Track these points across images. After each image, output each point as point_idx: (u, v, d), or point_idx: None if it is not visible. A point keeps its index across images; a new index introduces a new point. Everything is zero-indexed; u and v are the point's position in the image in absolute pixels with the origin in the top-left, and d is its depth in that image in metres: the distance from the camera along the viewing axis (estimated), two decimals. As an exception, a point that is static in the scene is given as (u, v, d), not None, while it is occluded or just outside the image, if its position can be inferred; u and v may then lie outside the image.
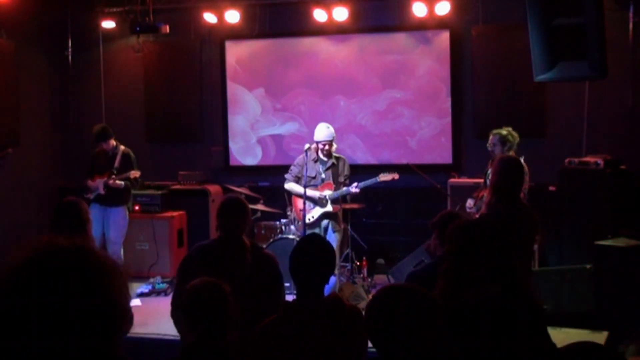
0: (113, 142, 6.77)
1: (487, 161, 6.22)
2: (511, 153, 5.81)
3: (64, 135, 8.34)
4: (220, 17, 7.75)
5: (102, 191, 6.63)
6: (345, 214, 6.71)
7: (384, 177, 5.96)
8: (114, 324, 1.24)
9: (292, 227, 6.85)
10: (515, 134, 5.88)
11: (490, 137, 5.98)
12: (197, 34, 8.16)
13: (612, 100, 7.01)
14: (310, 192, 6.04)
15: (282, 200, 7.12)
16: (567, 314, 5.08)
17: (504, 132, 5.87)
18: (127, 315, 1.27)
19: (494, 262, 2.40)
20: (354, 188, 5.94)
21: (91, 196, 6.66)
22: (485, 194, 5.91)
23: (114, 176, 6.64)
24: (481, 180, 6.00)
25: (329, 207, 6.05)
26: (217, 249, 3.54)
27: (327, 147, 6.04)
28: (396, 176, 5.99)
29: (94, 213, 6.52)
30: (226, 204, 3.63)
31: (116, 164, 6.68)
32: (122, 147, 6.81)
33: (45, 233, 5.97)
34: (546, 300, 5.14)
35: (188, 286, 2.60)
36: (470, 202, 6.09)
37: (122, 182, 6.62)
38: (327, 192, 6.07)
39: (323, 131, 6.05)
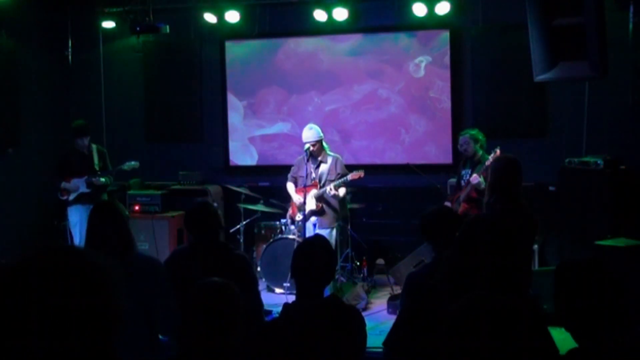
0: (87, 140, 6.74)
1: (459, 162, 6.27)
2: (481, 152, 5.92)
3: (64, 135, 8.33)
4: (220, 17, 7.76)
5: (86, 189, 6.57)
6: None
7: (353, 175, 6.08)
8: (113, 325, 1.25)
9: (292, 227, 6.85)
10: (481, 132, 6.05)
11: (460, 138, 6.10)
12: (197, 34, 8.16)
13: (612, 100, 7.01)
14: (295, 198, 6.29)
15: (282, 200, 7.12)
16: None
17: (472, 131, 6.05)
18: (121, 320, 1.27)
19: (498, 261, 2.39)
20: (328, 190, 6.04)
21: (70, 197, 6.58)
22: (462, 194, 5.95)
23: (99, 173, 6.63)
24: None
25: (313, 205, 6.15)
26: (190, 252, 3.62)
27: (312, 148, 6.12)
28: (362, 174, 6.10)
29: (77, 215, 6.48)
30: (192, 210, 3.69)
31: (97, 161, 6.68)
32: (94, 145, 6.80)
33: (45, 233, 5.88)
34: (546, 300, 5.13)
35: (197, 284, 2.59)
36: (447, 205, 6.10)
37: (105, 179, 6.65)
38: (313, 191, 6.16)
39: (306, 133, 6.19)
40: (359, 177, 6.12)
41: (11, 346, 1.15)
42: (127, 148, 7.83)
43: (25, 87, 7.70)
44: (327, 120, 7.80)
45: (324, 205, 6.22)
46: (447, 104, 7.64)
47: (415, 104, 7.75)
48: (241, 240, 7.24)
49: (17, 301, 1.16)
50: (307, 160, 6.16)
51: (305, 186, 6.06)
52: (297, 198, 6.28)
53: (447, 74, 7.62)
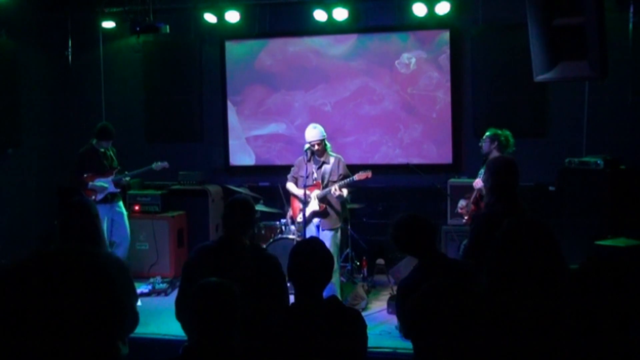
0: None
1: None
2: (497, 154, 5.81)
3: (64, 135, 8.34)
4: (220, 17, 7.76)
5: (114, 189, 6.72)
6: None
7: (359, 175, 5.97)
8: (115, 325, 1.25)
9: (292, 227, 6.84)
10: (510, 139, 5.89)
11: (487, 132, 6.01)
12: (197, 34, 8.16)
13: (612, 100, 7.01)
14: (299, 192, 6.11)
15: (282, 200, 7.12)
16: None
17: (499, 131, 5.92)
18: (127, 317, 1.28)
19: (544, 262, 2.40)
20: (333, 190, 5.92)
21: (98, 197, 6.65)
22: (472, 196, 5.93)
23: (127, 172, 6.77)
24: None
25: (316, 206, 6.05)
26: (218, 249, 3.55)
27: (316, 147, 6.02)
28: (369, 174, 5.99)
29: (104, 213, 6.51)
30: (233, 204, 3.63)
31: (116, 161, 6.83)
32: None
33: (45, 234, 5.94)
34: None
35: (197, 285, 2.60)
36: (462, 203, 6.09)
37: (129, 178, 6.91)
38: (316, 192, 6.07)
39: (310, 132, 6.07)
40: (366, 178, 6.00)
41: (12, 346, 1.15)
42: (127, 148, 7.82)
43: (25, 87, 7.70)
44: (324, 119, 7.80)
45: (327, 207, 6.12)
46: (447, 103, 7.64)
47: (415, 104, 7.75)
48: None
49: (18, 301, 1.16)
50: (308, 160, 6.12)
51: (305, 186, 6.01)
52: (301, 193, 6.10)
53: (447, 74, 7.62)
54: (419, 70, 7.71)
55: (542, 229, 2.53)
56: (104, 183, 6.70)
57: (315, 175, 6.11)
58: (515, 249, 2.45)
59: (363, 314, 3.24)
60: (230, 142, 8.29)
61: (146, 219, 7.48)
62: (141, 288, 6.73)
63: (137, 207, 7.59)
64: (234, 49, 8.21)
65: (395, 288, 6.59)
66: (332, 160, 6.15)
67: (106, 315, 1.22)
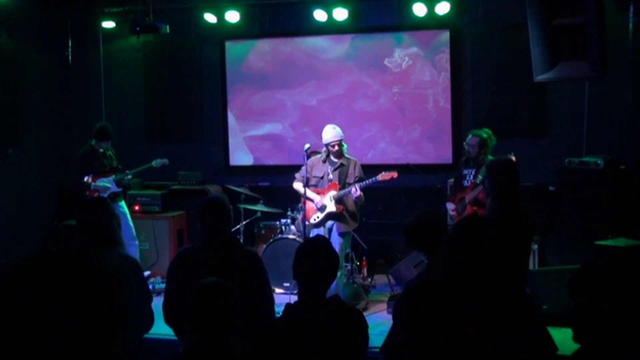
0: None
1: (460, 161, 6.20)
2: (485, 155, 5.79)
3: (64, 135, 8.34)
4: (220, 17, 7.76)
5: (117, 189, 6.78)
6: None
7: (383, 176, 5.89)
8: (115, 327, 1.25)
9: (293, 227, 6.84)
10: (493, 137, 5.88)
11: (471, 137, 5.93)
12: (197, 34, 8.16)
13: (612, 100, 7.01)
14: (311, 195, 5.98)
15: (282, 200, 7.12)
16: (566, 314, 5.06)
17: (484, 135, 5.86)
18: (127, 318, 1.27)
19: (488, 261, 2.40)
20: (354, 190, 5.79)
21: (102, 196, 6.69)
22: (467, 195, 5.89)
23: (127, 171, 6.80)
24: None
25: (333, 207, 5.94)
26: (199, 251, 3.57)
27: (336, 147, 5.90)
28: (395, 174, 5.91)
29: None
30: (205, 206, 3.63)
31: (115, 160, 6.85)
32: None
33: (45, 234, 5.92)
34: (546, 300, 5.14)
35: (195, 285, 2.60)
36: (451, 206, 6.02)
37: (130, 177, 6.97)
38: (332, 193, 5.97)
39: (330, 132, 5.93)
40: (392, 178, 5.90)
41: (12, 347, 1.15)
42: (128, 148, 7.82)
43: (25, 87, 7.70)
44: (318, 117, 7.79)
45: (344, 209, 5.98)
46: (447, 103, 7.64)
47: (414, 103, 7.75)
48: (241, 240, 7.24)
49: (17, 302, 1.16)
50: (324, 161, 6.02)
51: (305, 186, 5.96)
52: (317, 198, 5.99)
53: (447, 74, 7.62)
54: (419, 71, 7.71)
55: (488, 228, 2.52)
56: (107, 183, 6.73)
57: (330, 176, 6.00)
58: (459, 250, 2.45)
59: (363, 314, 3.24)
60: (232, 141, 8.28)
61: (146, 219, 7.49)
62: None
63: (137, 207, 7.60)
64: (232, 49, 8.21)
65: (395, 288, 6.60)
66: (349, 162, 6.03)
67: (105, 317, 1.22)
